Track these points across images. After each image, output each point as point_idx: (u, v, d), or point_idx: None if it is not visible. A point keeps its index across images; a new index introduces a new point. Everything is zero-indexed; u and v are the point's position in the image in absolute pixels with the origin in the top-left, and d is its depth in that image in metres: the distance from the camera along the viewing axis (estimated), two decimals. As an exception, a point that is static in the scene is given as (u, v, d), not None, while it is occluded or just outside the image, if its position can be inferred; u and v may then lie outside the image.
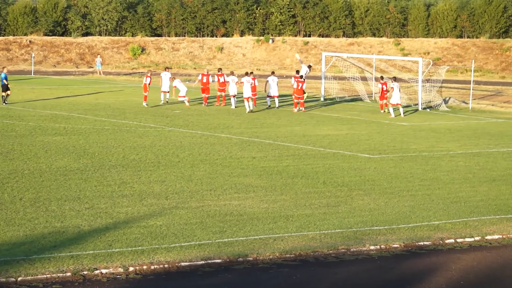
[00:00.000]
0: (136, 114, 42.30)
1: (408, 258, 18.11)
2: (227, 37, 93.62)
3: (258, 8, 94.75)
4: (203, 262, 16.93)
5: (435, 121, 44.23)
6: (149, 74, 47.50)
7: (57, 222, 19.37)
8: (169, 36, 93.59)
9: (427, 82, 53.45)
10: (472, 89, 55.66)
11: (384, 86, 47.33)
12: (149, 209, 21.00)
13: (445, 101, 53.13)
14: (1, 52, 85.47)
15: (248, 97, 44.90)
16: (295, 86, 46.61)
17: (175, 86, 48.27)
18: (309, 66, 52.05)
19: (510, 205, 23.05)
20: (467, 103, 53.65)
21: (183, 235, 18.67)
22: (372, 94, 55.49)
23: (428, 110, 50.42)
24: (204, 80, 48.20)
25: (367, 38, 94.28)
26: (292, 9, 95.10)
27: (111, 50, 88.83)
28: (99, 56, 79.62)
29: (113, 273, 16.13)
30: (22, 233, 18.35)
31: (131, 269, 16.33)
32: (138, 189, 23.43)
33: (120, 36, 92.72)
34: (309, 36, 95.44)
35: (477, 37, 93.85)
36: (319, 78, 61.24)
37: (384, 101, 47.67)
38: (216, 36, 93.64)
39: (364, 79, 57.42)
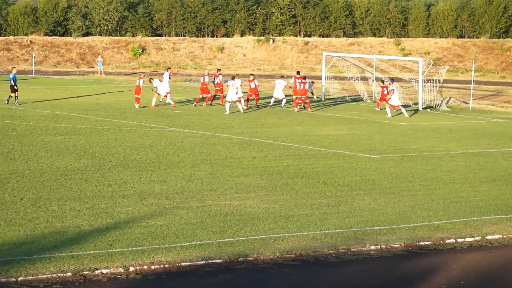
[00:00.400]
0: (137, 114, 42.32)
1: (408, 258, 18.11)
2: (227, 37, 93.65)
3: (259, 8, 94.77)
4: (204, 262, 16.93)
5: (436, 121, 44.24)
6: (141, 76, 47.09)
7: (58, 222, 19.38)
8: (169, 36, 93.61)
9: (428, 82, 53.45)
10: (473, 89, 55.66)
11: (385, 89, 47.55)
12: (149, 209, 21.01)
13: (440, 102, 53.12)
14: (1, 52, 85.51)
15: (232, 101, 44.39)
16: (298, 87, 46.73)
17: (155, 87, 47.24)
18: (312, 82, 52.92)
19: (510, 205, 23.05)
20: (468, 103, 53.65)
21: (183, 235, 18.67)
22: (372, 94, 55.49)
23: (429, 110, 50.42)
24: (206, 80, 48.20)
25: (367, 38, 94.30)
26: (293, 9, 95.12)
27: (112, 50, 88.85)
28: (100, 56, 79.64)
29: (113, 273, 16.14)
30: (23, 233, 18.36)
31: (131, 269, 16.34)
32: (139, 189, 23.43)
33: (120, 36, 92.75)
34: (310, 36, 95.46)
35: (477, 37, 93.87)
36: (319, 78, 61.24)
37: (383, 102, 47.92)
38: (216, 36, 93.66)
39: (364, 79, 57.44)
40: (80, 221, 19.57)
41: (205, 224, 19.70)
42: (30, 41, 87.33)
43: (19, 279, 15.48)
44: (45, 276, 15.69)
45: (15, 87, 45.18)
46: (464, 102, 55.08)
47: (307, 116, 44.53)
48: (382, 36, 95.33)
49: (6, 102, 45.06)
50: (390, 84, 46.49)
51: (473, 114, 49.06)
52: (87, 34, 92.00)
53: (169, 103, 46.81)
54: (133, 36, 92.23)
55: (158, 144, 31.94)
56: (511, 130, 41.13)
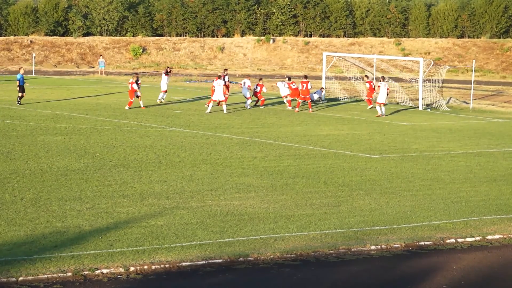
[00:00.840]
0: (137, 114, 42.32)
1: (409, 258, 18.11)
2: (228, 37, 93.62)
3: (259, 8, 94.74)
4: (204, 262, 16.94)
5: (436, 121, 44.23)
6: (133, 80, 45.56)
7: (58, 222, 19.38)
8: (170, 36, 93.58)
9: (428, 82, 53.45)
10: (473, 89, 55.66)
11: (372, 84, 49.71)
12: (150, 209, 21.01)
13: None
14: (2, 52, 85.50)
15: (218, 100, 44.24)
16: (300, 87, 46.99)
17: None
18: (321, 88, 53.47)
19: (511, 205, 23.05)
20: (468, 103, 53.65)
21: (184, 235, 18.68)
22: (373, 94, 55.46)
23: (429, 110, 50.42)
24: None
25: (368, 38, 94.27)
26: (293, 9, 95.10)
27: (112, 50, 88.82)
28: (101, 56, 79.57)
29: (114, 273, 16.14)
30: (23, 233, 18.37)
31: (132, 269, 16.34)
32: (139, 189, 23.44)
33: (121, 36, 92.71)
34: (310, 36, 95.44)
35: (477, 37, 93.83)
36: (319, 78, 61.24)
37: (369, 98, 49.92)
38: (217, 36, 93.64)
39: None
40: (81, 221, 19.58)
41: (205, 224, 19.71)
42: (31, 41, 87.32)
43: (20, 279, 15.48)
44: (46, 276, 15.69)
45: (23, 87, 45.17)
46: (465, 102, 55.08)
47: (307, 116, 44.54)
48: (382, 36, 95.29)
49: (18, 103, 44.90)
50: (380, 81, 46.63)
51: (473, 114, 49.05)
52: (87, 34, 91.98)
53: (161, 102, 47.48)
54: (133, 36, 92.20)
55: (159, 144, 31.94)
56: (512, 130, 41.15)
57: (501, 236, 19.89)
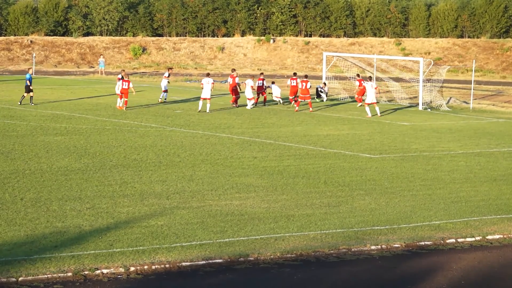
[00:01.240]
0: (137, 114, 42.32)
1: (409, 258, 18.11)
2: (228, 37, 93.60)
3: (259, 8, 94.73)
4: (204, 262, 16.93)
5: (436, 121, 44.23)
6: (127, 79, 45.16)
7: (58, 222, 19.38)
8: (170, 36, 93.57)
9: (428, 82, 53.44)
10: (473, 89, 55.65)
11: (362, 82, 50.21)
12: (150, 209, 21.01)
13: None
14: (2, 52, 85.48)
15: (205, 98, 44.22)
16: (300, 86, 47.11)
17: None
18: (324, 84, 53.53)
19: (511, 205, 23.05)
20: (468, 103, 53.65)
21: (184, 235, 18.67)
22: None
23: (429, 110, 50.42)
24: (230, 82, 48.21)
25: (368, 38, 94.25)
26: (293, 9, 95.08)
27: (112, 50, 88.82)
28: (102, 56, 79.54)
29: (114, 273, 16.14)
30: (23, 233, 18.36)
31: (132, 269, 16.34)
32: (139, 189, 23.43)
33: (121, 36, 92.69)
34: (310, 36, 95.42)
35: (478, 37, 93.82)
36: (320, 78, 61.23)
37: (359, 96, 50.74)
38: (217, 36, 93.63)
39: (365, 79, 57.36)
40: (81, 221, 19.58)
41: (205, 224, 19.70)
42: (31, 41, 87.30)
43: (20, 279, 15.48)
44: (46, 276, 15.69)
45: (30, 88, 45.14)
46: (465, 102, 55.08)
47: (307, 116, 44.54)
48: (382, 36, 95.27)
49: (31, 103, 44.83)
50: (367, 82, 46.37)
51: (473, 114, 49.05)
52: (87, 34, 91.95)
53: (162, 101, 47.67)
54: (133, 36, 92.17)
55: (159, 144, 31.94)
56: (512, 130, 41.14)
57: (501, 236, 19.89)
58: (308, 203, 22.31)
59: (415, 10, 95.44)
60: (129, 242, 17.93)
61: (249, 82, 47.57)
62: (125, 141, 32.31)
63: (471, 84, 55.33)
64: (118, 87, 44.79)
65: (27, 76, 45.75)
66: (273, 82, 51.73)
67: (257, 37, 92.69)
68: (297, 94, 47.94)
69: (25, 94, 45.22)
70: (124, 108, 43.87)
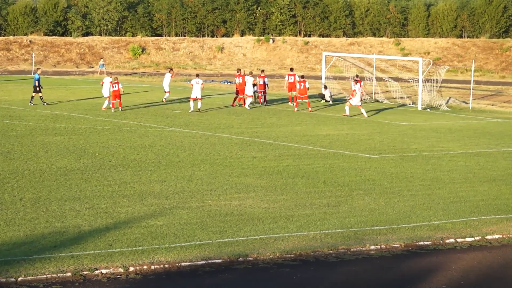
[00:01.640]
0: (137, 114, 42.31)
1: (408, 258, 18.11)
2: (227, 37, 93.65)
3: (259, 8, 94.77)
4: (204, 262, 16.93)
5: (436, 121, 44.23)
6: (117, 81, 43.85)
7: (58, 222, 19.38)
8: (169, 36, 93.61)
9: (427, 82, 53.45)
10: (472, 89, 55.67)
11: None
12: (149, 209, 21.00)
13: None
14: (1, 52, 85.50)
15: (195, 98, 44.22)
16: (297, 86, 47.07)
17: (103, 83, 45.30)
18: (325, 87, 53.48)
19: (510, 205, 23.05)
20: (468, 103, 53.66)
21: (183, 235, 18.67)
22: (372, 94, 55.50)
23: (429, 110, 50.42)
24: (240, 81, 48.00)
25: (367, 38, 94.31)
26: (293, 9, 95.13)
27: (112, 50, 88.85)
28: (102, 59, 79.45)
29: (113, 273, 16.13)
30: (22, 233, 18.36)
31: (131, 269, 16.33)
32: (139, 189, 23.43)
33: (120, 36, 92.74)
34: (310, 36, 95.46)
35: (477, 37, 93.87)
36: (319, 78, 61.23)
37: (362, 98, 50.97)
38: (216, 36, 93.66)
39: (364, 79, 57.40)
40: (80, 221, 19.57)
41: (205, 224, 19.70)
42: (30, 41, 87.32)
43: (19, 279, 15.47)
44: (45, 276, 15.68)
45: (38, 88, 45.13)
46: (464, 102, 55.08)
47: (307, 116, 44.53)
48: (382, 36, 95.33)
49: (44, 103, 44.83)
50: (354, 85, 45.67)
51: (473, 114, 49.05)
52: (86, 34, 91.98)
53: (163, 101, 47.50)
54: (133, 36, 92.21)
55: (158, 144, 31.94)
56: (511, 130, 41.12)
57: (501, 236, 19.88)
58: (308, 203, 22.31)
59: (414, 10, 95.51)
60: (128, 242, 17.93)
61: (249, 79, 47.54)
62: (124, 141, 32.30)
63: (471, 84, 55.34)
64: (108, 89, 43.86)
65: (36, 76, 45.80)
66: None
67: (256, 37, 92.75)
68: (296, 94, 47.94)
69: (34, 94, 45.29)
70: (113, 110, 42.98)
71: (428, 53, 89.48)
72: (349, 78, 57.53)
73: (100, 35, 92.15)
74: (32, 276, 15.63)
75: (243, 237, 18.67)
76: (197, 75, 46.34)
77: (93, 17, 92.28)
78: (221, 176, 25.65)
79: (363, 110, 44.52)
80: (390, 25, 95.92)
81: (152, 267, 16.52)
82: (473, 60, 65.82)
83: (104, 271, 16.13)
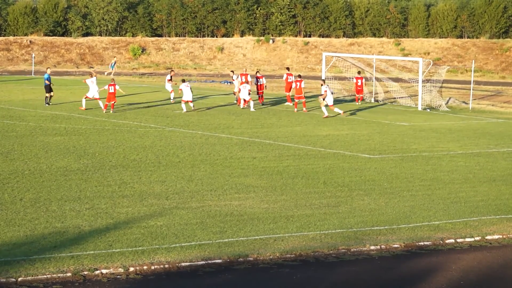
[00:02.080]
0: (137, 114, 42.31)
1: (408, 258, 18.12)
2: (227, 37, 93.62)
3: (259, 8, 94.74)
4: (204, 262, 16.94)
5: (436, 121, 44.23)
6: (112, 83, 43.45)
7: (58, 223, 19.39)
8: (169, 36, 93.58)
9: (428, 82, 53.46)
10: (472, 89, 55.67)
11: (359, 81, 52.07)
12: (149, 209, 21.01)
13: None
14: (1, 52, 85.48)
15: (187, 100, 44.22)
16: (293, 85, 47.19)
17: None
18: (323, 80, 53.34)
19: (510, 205, 23.06)
20: (467, 103, 53.66)
21: (183, 235, 18.68)
22: (372, 94, 55.51)
23: (428, 110, 50.43)
24: (243, 80, 48.05)
25: (367, 38, 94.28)
26: (293, 9, 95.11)
27: (112, 50, 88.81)
28: (114, 58, 78.67)
29: (113, 273, 16.14)
30: (23, 234, 18.37)
31: (131, 269, 16.34)
32: (139, 189, 23.44)
33: (120, 36, 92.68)
34: (310, 36, 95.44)
35: (477, 37, 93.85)
36: (319, 78, 61.23)
37: (360, 94, 52.32)
38: (216, 36, 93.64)
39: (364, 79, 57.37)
40: (80, 221, 19.58)
41: (205, 224, 19.71)
42: (30, 41, 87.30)
43: (19, 279, 15.48)
44: (45, 276, 15.69)
45: (49, 87, 45.14)
46: (464, 102, 55.09)
47: (306, 116, 44.53)
48: (382, 36, 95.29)
49: (47, 104, 44.80)
50: (321, 85, 45.24)
51: (473, 114, 49.06)
52: (87, 34, 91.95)
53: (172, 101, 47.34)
54: (133, 36, 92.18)
55: (158, 144, 31.94)
56: (511, 130, 41.13)
57: (501, 236, 19.89)
58: (308, 204, 22.32)
59: (414, 10, 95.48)
60: (128, 242, 17.94)
61: (246, 86, 47.38)
62: (124, 142, 32.31)
63: (471, 84, 55.34)
64: (97, 90, 43.82)
65: (46, 76, 45.86)
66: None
67: (256, 38, 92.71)
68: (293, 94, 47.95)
69: (47, 94, 45.32)
70: (108, 111, 42.65)
71: (428, 53, 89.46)
72: (349, 78, 57.58)
73: (100, 35, 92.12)
74: (32, 276, 15.64)
75: (243, 237, 18.68)
76: (183, 80, 45.80)
77: (93, 17, 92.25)
78: (221, 177, 25.66)
79: (336, 109, 44.56)
80: (390, 25, 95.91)
81: (152, 267, 16.53)
82: (473, 61, 65.83)
83: (104, 271, 16.14)
